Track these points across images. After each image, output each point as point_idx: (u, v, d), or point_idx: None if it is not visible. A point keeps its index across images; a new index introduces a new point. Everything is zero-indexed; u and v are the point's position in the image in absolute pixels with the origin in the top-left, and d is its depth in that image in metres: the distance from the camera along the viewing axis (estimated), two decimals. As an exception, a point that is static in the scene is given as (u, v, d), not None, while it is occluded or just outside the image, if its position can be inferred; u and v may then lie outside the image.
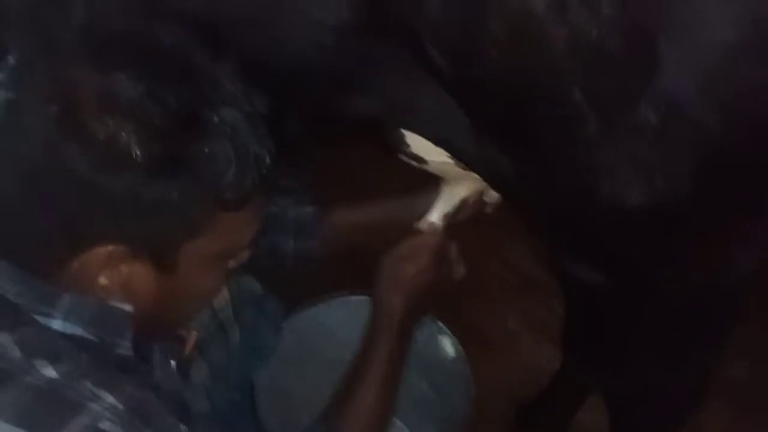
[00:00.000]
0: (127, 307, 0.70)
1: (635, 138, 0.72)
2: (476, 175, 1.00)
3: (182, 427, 0.70)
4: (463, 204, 1.13)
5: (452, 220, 1.12)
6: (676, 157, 0.72)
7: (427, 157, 0.99)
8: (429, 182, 1.15)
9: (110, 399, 0.64)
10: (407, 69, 0.82)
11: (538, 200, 0.86)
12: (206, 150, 0.66)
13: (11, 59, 0.67)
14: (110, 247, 0.67)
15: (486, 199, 1.15)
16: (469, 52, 0.75)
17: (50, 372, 0.64)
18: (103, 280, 0.69)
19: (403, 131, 0.96)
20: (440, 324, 1.34)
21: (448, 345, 1.34)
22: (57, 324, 0.68)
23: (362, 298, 1.33)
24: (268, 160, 0.70)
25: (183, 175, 0.66)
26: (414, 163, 1.02)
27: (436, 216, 1.11)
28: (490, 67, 0.74)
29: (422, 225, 1.10)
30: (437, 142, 0.93)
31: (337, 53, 0.84)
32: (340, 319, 1.35)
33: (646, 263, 0.84)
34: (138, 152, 0.64)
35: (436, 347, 1.35)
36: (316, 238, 1.17)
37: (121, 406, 0.64)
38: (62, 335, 0.68)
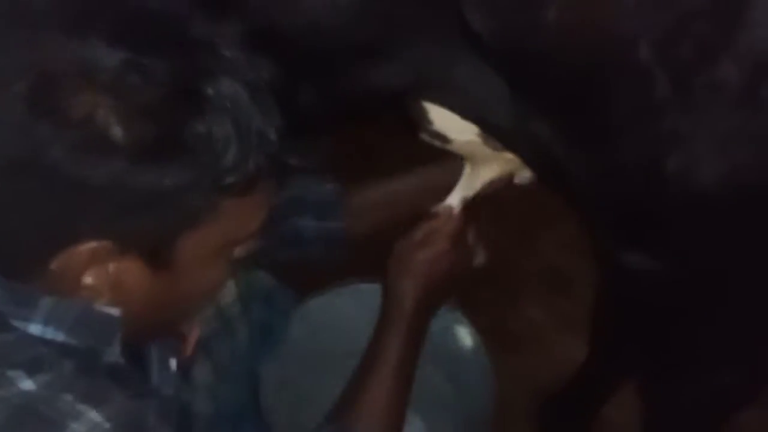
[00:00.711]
0: (115, 312, 0.63)
1: (712, 103, 0.64)
2: (506, 156, 0.93)
3: None
4: (487, 187, 1.05)
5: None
6: (764, 125, 0.63)
7: (451, 136, 0.92)
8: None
9: (93, 415, 0.58)
10: (442, 36, 0.75)
11: (592, 180, 0.78)
12: (202, 128, 0.58)
13: None
14: (93, 244, 0.60)
15: (516, 180, 1.07)
16: (517, 14, 0.67)
17: (27, 384, 0.58)
18: (88, 279, 0.62)
19: (426, 106, 0.88)
20: (457, 313, 1.28)
21: (465, 335, 1.30)
22: (36, 329, 0.61)
23: (374, 286, 1.26)
24: (273, 138, 0.62)
25: (176, 159, 0.58)
26: (437, 142, 0.94)
27: (455, 199, 1.04)
28: (544, 30, 0.66)
29: (439, 208, 1.03)
30: (471, 118, 0.85)
31: (358, 14, 0.76)
32: (351, 309, 1.29)
33: (719, 252, 0.76)
34: (120, 134, 0.56)
35: (452, 337, 1.29)
36: (340, 219, 1.09)
37: (107, 424, 0.58)
38: (43, 341, 0.61)
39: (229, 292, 1.05)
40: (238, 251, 0.69)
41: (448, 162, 1.04)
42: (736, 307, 0.83)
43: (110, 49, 0.56)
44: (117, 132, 0.56)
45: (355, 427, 0.87)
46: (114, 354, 0.64)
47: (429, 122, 0.89)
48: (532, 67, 0.71)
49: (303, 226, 1.07)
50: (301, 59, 0.79)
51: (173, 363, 0.79)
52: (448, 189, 1.04)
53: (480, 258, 1.04)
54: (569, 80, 0.69)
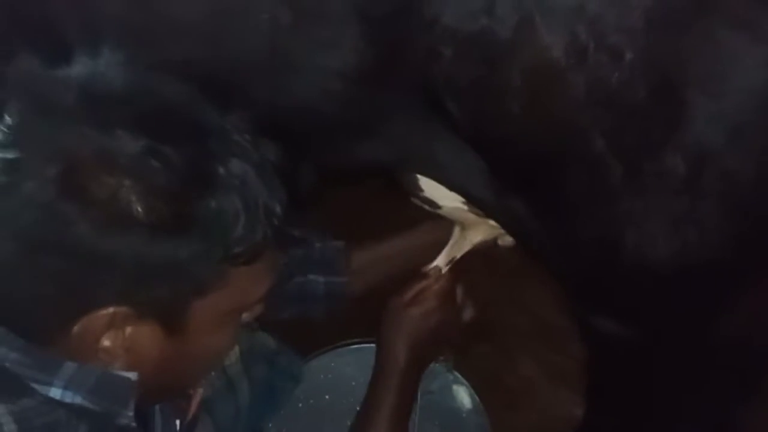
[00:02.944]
0: (132, 376, 0.67)
1: (661, 188, 0.69)
2: (490, 222, 0.98)
3: None
4: (475, 249, 1.11)
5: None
6: (707, 209, 0.69)
7: (440, 202, 0.97)
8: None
9: None
10: (423, 118, 0.80)
11: (559, 252, 0.83)
12: (213, 205, 0.63)
13: (9, 119, 0.64)
14: (112, 309, 0.64)
15: (500, 242, 1.12)
16: (486, 105, 0.73)
17: None
18: (106, 342, 0.66)
19: (417, 175, 0.94)
20: (456, 374, 1.31)
21: (464, 395, 1.32)
22: (56, 393, 0.65)
23: (372, 346, 1.30)
24: (279, 211, 0.67)
25: (190, 233, 0.63)
26: (427, 207, 1.00)
27: (443, 260, 1.09)
28: (509, 120, 0.71)
29: (428, 268, 1.09)
30: (454, 190, 0.90)
31: (346, 100, 0.82)
32: (352, 367, 1.33)
33: (676, 319, 0.80)
34: (140, 211, 0.61)
35: (451, 398, 1.32)
36: (344, 274, 1.14)
37: None
38: (61, 404, 0.65)
39: (232, 352, 1.07)
40: (246, 316, 0.74)
41: (442, 220, 1.09)
42: (697, 372, 0.86)
43: (132, 137, 0.62)
44: (137, 210, 0.61)
45: None
46: (127, 417, 0.67)
47: (419, 189, 0.95)
48: (502, 151, 0.77)
49: (310, 282, 1.12)
50: (298, 140, 0.85)
51: (177, 424, 0.82)
52: (442, 246, 1.09)
53: (469, 313, 1.09)
54: (534, 163, 0.74)
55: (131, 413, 0.67)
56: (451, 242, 1.10)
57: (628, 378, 0.94)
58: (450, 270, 1.08)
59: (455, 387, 1.31)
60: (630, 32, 0.64)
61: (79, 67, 0.67)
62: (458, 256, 1.09)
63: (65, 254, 0.62)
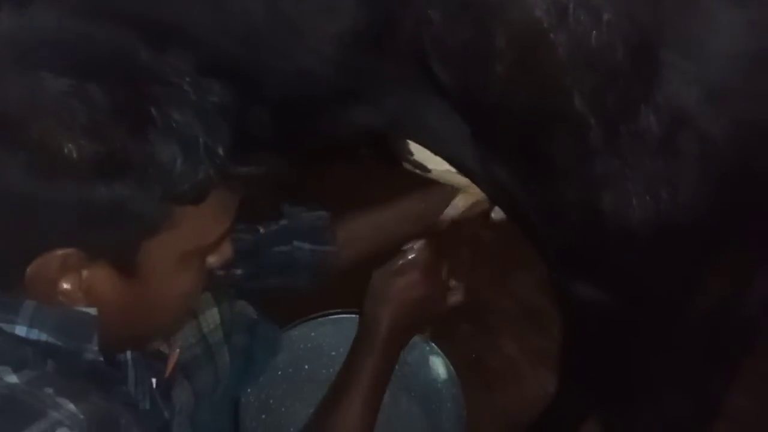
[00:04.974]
0: (92, 311, 0.68)
1: (637, 149, 0.70)
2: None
3: None
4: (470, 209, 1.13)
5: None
6: (682, 169, 0.70)
7: (430, 166, 0.98)
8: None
9: (71, 407, 0.62)
10: (415, 84, 0.81)
11: (541, 217, 0.83)
12: (146, 145, 0.63)
13: None
14: (61, 252, 0.65)
15: (493, 216, 1.14)
16: (472, 68, 0.74)
17: (12, 379, 0.63)
18: (64, 285, 0.67)
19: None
20: (432, 345, 1.31)
21: (439, 366, 1.32)
22: (21, 330, 0.66)
23: (354, 316, 1.31)
24: (221, 152, 0.67)
25: (124, 174, 0.63)
26: (417, 171, 1.01)
27: (447, 216, 1.12)
28: (495, 82, 0.72)
29: (412, 243, 1.09)
30: (442, 157, 0.91)
31: (336, 63, 0.82)
32: (332, 337, 1.33)
33: (654, 283, 0.81)
34: (69, 153, 0.61)
35: (427, 368, 1.32)
36: (332, 243, 1.15)
37: (81, 416, 0.62)
38: (28, 342, 0.66)
39: (212, 319, 1.07)
40: (213, 261, 0.75)
41: (428, 192, 1.12)
42: (675, 339, 0.87)
43: (56, 77, 0.62)
44: (66, 152, 0.61)
45: None
46: (93, 351, 0.68)
47: (410, 153, 0.97)
48: (487, 115, 0.77)
49: (296, 250, 1.12)
50: (287, 99, 0.85)
51: (153, 382, 0.83)
52: (428, 218, 1.12)
53: (458, 297, 1.10)
54: (518, 127, 0.75)
55: (96, 347, 0.69)
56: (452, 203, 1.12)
57: (606, 347, 0.95)
58: (434, 246, 1.08)
59: (431, 358, 1.31)
60: (609, -8, 0.65)
61: (7, 15, 0.67)
62: (456, 214, 1.12)
63: (2, 200, 0.62)
